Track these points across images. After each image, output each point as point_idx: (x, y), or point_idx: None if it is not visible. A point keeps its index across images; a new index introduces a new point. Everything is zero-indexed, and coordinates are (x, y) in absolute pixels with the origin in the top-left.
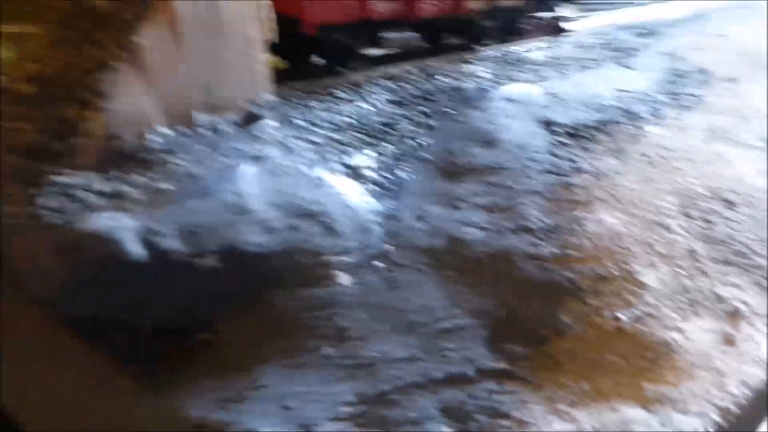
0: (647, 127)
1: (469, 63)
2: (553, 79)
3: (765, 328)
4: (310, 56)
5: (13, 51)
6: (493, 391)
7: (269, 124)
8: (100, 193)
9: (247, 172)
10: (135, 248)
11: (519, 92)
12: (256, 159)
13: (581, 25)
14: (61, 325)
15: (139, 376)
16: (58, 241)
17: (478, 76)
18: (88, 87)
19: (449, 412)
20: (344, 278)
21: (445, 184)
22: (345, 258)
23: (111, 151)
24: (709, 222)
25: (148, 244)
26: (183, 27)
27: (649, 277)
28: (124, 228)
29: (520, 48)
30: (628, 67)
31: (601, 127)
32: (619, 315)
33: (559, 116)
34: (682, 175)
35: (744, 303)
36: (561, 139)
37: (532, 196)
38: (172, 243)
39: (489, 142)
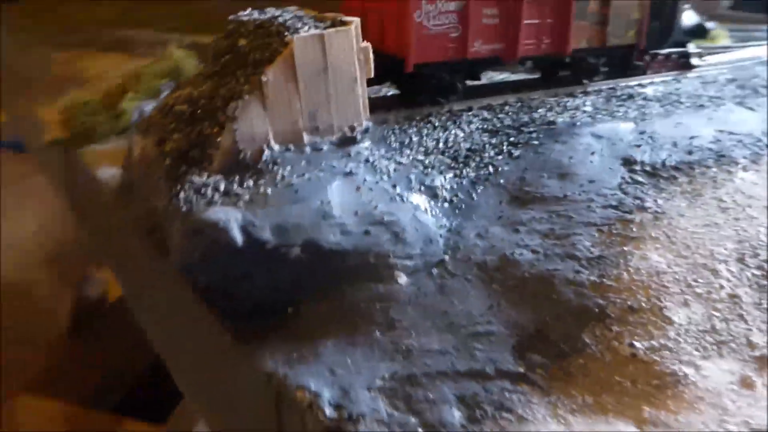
0: (739, 172)
1: (574, 97)
2: (655, 116)
3: None
4: (413, 89)
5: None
6: (506, 390)
7: (363, 146)
8: (221, 192)
9: (335, 184)
10: (238, 235)
11: (608, 129)
12: (346, 174)
13: (720, 58)
14: (192, 290)
15: (236, 334)
16: (187, 225)
17: (577, 111)
18: (225, 110)
19: (463, 400)
20: (403, 279)
21: (512, 209)
22: (407, 262)
23: (234, 161)
24: (765, 271)
25: (247, 233)
26: (297, 67)
27: (677, 314)
28: (233, 219)
29: (634, 84)
30: (749, 108)
31: (684, 168)
32: (636, 343)
33: (643, 155)
34: (753, 224)
35: None
36: (637, 177)
37: (588, 228)
38: (266, 234)
39: (563, 174)
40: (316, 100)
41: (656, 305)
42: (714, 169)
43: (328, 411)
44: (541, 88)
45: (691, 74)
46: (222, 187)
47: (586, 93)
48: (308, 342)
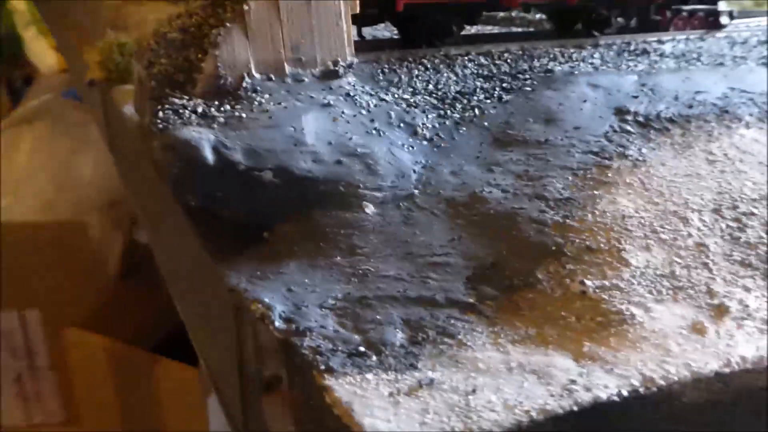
0: (740, 129)
1: (581, 49)
2: (664, 72)
3: (755, 332)
4: (408, 30)
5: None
6: (452, 317)
7: (346, 81)
8: (198, 114)
9: (311, 114)
10: (209, 155)
11: (608, 80)
12: (324, 105)
13: (758, 21)
14: (182, 209)
15: (214, 253)
16: (161, 142)
17: (581, 62)
18: (210, 38)
19: (408, 323)
20: (370, 209)
21: (492, 150)
22: (376, 194)
23: (216, 86)
24: (741, 223)
25: (219, 153)
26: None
27: (636, 257)
28: (205, 139)
29: (652, 40)
30: None
31: (679, 121)
32: (587, 281)
33: (638, 105)
34: (740, 177)
35: (742, 304)
36: (626, 126)
37: (563, 171)
38: (237, 156)
39: (549, 120)
40: (299, 33)
41: (615, 247)
42: (713, 124)
43: (278, 323)
44: (547, 39)
45: (719, 34)
46: (200, 109)
47: (595, 46)
48: (273, 262)
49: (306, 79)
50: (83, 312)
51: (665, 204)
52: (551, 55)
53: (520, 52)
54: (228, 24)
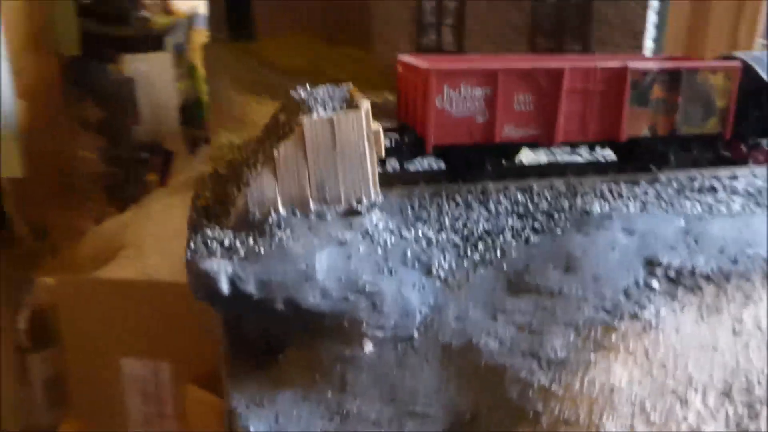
0: None
1: (636, 185)
2: (722, 215)
3: None
4: (447, 166)
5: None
6: None
7: (368, 219)
8: (223, 246)
9: (326, 250)
10: (225, 286)
11: (647, 224)
12: (340, 243)
13: None
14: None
15: (231, 367)
16: (189, 270)
17: (630, 200)
18: (243, 178)
19: None
20: (369, 347)
21: (502, 295)
22: (377, 332)
23: (244, 220)
24: (754, 410)
25: (234, 285)
26: (307, 145)
27: None
28: (223, 272)
29: (725, 175)
30: None
31: (716, 278)
32: None
33: (674, 257)
34: (764, 355)
35: None
36: (652, 281)
37: (566, 328)
38: (250, 288)
39: (569, 268)
40: (325, 173)
41: (594, 423)
42: (755, 285)
43: None
44: (605, 171)
45: None
46: (226, 242)
47: (654, 181)
48: (274, 387)
49: (329, 216)
50: (206, 370)
51: (665, 379)
52: (598, 192)
53: (565, 188)
54: (259, 166)
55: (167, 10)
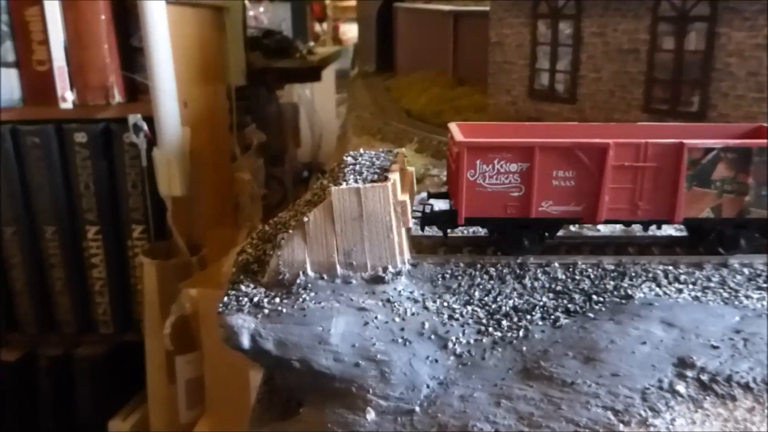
0: None
1: (700, 269)
2: None
3: None
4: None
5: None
6: None
7: (392, 287)
8: (252, 303)
9: (344, 316)
10: (246, 341)
11: (692, 317)
12: (359, 309)
13: None
14: None
15: (264, 409)
16: (218, 323)
17: (684, 286)
18: (277, 240)
19: None
20: (371, 416)
21: (513, 380)
22: (382, 402)
23: (276, 279)
24: None
25: (254, 341)
26: (335, 213)
27: None
28: (246, 327)
29: None
30: None
31: (757, 389)
32: None
33: (712, 360)
34: None
35: None
36: (678, 385)
37: (567, 425)
38: (269, 345)
39: (589, 358)
40: (352, 241)
41: None
42: None
43: None
44: (663, 252)
45: None
46: (256, 299)
47: (722, 266)
48: None
49: (354, 281)
50: None
51: None
52: (651, 275)
53: (612, 267)
54: (291, 230)
55: (336, 39)
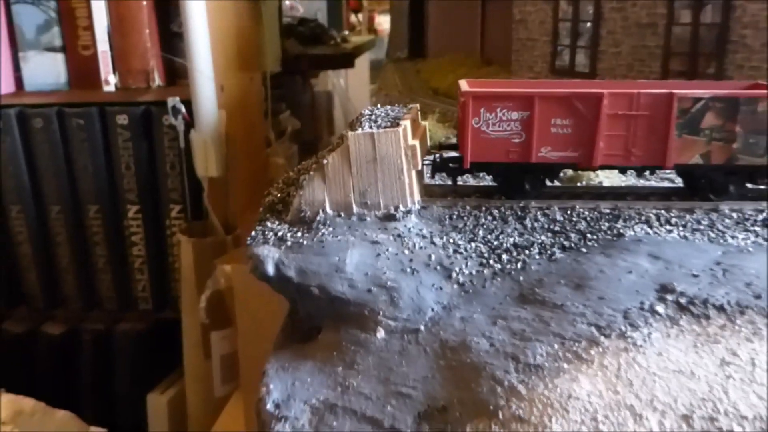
0: None
1: (690, 213)
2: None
3: None
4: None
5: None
6: None
7: (402, 224)
8: (276, 237)
9: (358, 248)
10: (270, 269)
11: (677, 252)
12: (372, 242)
13: None
14: None
15: (287, 333)
16: (247, 252)
17: (673, 228)
18: (299, 181)
19: None
20: (381, 334)
21: (510, 304)
22: (391, 322)
23: (298, 217)
24: None
25: (278, 269)
26: (351, 156)
27: None
28: (270, 256)
29: None
30: None
31: (730, 311)
32: None
33: (692, 286)
34: (742, 389)
35: None
36: (658, 307)
37: (554, 339)
38: (291, 273)
39: (579, 285)
40: (366, 182)
41: (542, 423)
42: None
43: (269, 406)
44: (662, 199)
45: None
46: (280, 233)
47: (712, 211)
48: (302, 358)
49: (368, 219)
50: None
51: (625, 395)
52: (643, 218)
53: (608, 211)
54: (312, 172)
55: (371, 29)
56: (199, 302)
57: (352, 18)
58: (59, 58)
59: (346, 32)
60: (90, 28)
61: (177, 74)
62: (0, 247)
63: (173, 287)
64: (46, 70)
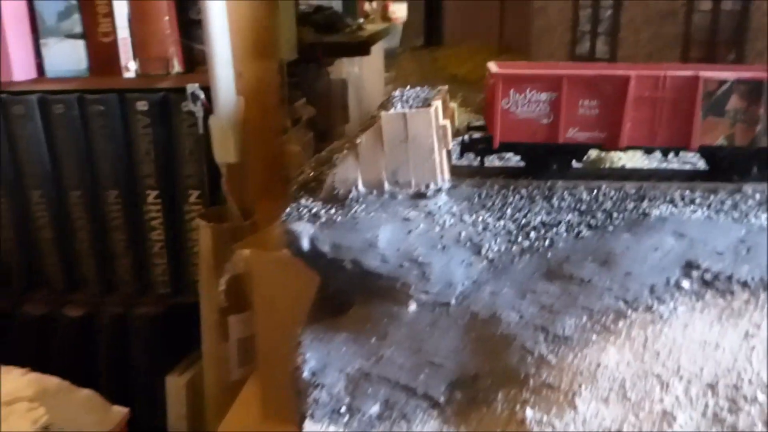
0: None
1: (714, 194)
2: None
3: None
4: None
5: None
6: (419, 407)
7: (433, 202)
8: (311, 213)
9: (390, 225)
10: (305, 243)
11: (702, 230)
12: (404, 220)
13: None
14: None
15: (319, 306)
16: (282, 228)
17: (698, 208)
18: (333, 160)
19: (386, 402)
20: (413, 307)
21: (539, 280)
22: (422, 296)
23: (331, 195)
24: (736, 406)
25: (313, 244)
26: (384, 136)
27: (587, 405)
28: (305, 232)
29: None
30: None
31: (753, 286)
32: (529, 412)
33: (716, 263)
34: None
35: None
36: (683, 282)
37: (582, 311)
38: (326, 248)
39: (605, 262)
40: (398, 161)
41: (572, 390)
42: None
43: (306, 374)
44: (686, 180)
45: None
46: (314, 210)
47: (735, 192)
48: (336, 329)
49: (400, 197)
50: None
51: (652, 365)
52: (668, 198)
53: (633, 191)
54: (345, 151)
55: (385, 17)
56: (217, 286)
57: (366, 6)
58: (80, 44)
59: (361, 20)
60: (110, 14)
61: (196, 61)
62: (21, 232)
63: (191, 271)
64: (66, 57)
